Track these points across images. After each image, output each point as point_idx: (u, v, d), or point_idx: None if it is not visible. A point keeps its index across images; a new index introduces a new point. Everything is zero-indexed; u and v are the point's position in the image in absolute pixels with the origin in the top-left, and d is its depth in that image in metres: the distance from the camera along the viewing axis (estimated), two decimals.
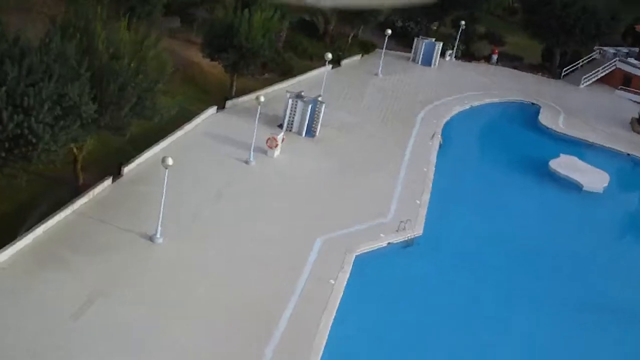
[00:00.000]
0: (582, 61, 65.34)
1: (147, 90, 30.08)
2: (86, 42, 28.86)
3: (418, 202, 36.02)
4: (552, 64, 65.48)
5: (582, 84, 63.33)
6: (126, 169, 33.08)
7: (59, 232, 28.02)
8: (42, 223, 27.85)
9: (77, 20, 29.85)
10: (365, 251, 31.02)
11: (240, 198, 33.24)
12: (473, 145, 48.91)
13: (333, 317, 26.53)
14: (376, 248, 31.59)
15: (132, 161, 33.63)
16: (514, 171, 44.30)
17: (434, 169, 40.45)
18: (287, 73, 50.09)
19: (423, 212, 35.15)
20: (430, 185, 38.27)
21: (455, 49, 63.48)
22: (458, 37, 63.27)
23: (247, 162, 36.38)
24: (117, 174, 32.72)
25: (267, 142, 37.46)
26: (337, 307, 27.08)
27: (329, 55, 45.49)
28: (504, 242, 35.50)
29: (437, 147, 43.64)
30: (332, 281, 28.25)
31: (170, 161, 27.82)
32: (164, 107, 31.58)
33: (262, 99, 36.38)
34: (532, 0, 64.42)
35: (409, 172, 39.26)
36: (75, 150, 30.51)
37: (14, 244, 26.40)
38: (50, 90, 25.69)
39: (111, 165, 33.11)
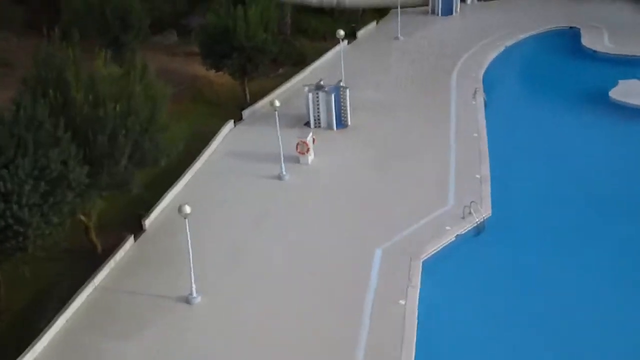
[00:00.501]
0: None
1: (144, 131, 26.02)
2: (62, 96, 24.90)
3: (478, 176, 31.56)
4: None
5: None
6: (147, 222, 29.22)
7: (83, 318, 24.28)
8: (62, 312, 24.11)
9: (47, 72, 25.82)
10: (432, 253, 26.72)
11: (280, 223, 29.16)
12: (520, 91, 44.05)
13: (414, 347, 22.33)
14: (444, 245, 27.24)
15: (153, 210, 29.74)
16: (573, 110, 39.41)
17: (485, 131, 35.69)
18: (302, 62, 45.67)
19: (486, 187, 30.66)
20: (487, 152, 33.59)
21: None
22: None
23: (280, 178, 32.26)
24: (138, 228, 28.93)
25: (297, 148, 33.29)
26: (415, 332, 22.84)
27: (341, 32, 40.79)
28: (586, 196, 30.89)
29: (482, 105, 38.92)
30: (402, 302, 24.04)
31: (187, 209, 23.86)
32: (169, 145, 27.48)
33: (277, 103, 32.15)
34: None
35: (460, 143, 34.75)
36: (83, 218, 26.69)
37: (33, 346, 22.69)
38: (29, 166, 21.84)
39: (130, 219, 29.38)
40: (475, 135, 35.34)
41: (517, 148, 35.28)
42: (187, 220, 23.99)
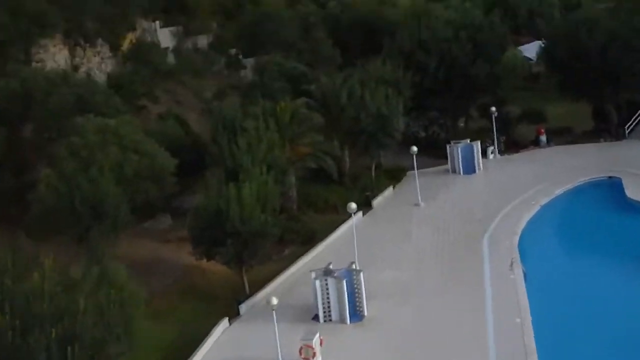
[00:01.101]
0: None
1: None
2: None
3: None
4: (609, 123, 55.12)
5: None
6: None
7: None
8: None
9: None
10: None
11: None
12: (564, 257, 38.39)
13: None
14: None
15: None
16: (630, 276, 33.84)
17: (529, 314, 29.59)
18: (311, 239, 40.19)
19: None
20: (533, 343, 27.45)
21: (495, 142, 53.25)
22: (494, 127, 53.00)
23: None
24: None
25: (300, 353, 27.34)
26: None
27: (353, 206, 35.21)
28: None
29: (521, 278, 32.95)
30: None
31: None
32: None
33: (274, 301, 26.66)
34: (558, 58, 54.64)
35: (499, 331, 28.67)
36: None
37: None
38: None
39: None
40: (518, 320, 29.26)
41: (570, 330, 29.51)
42: None
